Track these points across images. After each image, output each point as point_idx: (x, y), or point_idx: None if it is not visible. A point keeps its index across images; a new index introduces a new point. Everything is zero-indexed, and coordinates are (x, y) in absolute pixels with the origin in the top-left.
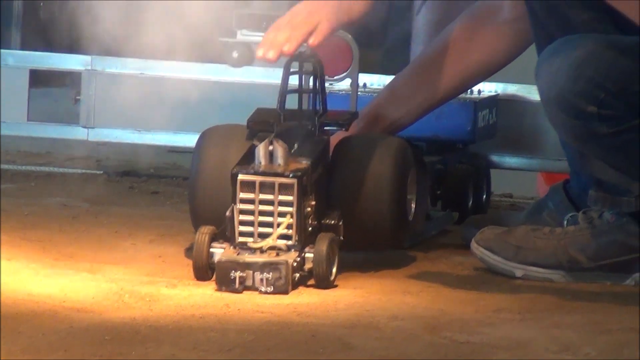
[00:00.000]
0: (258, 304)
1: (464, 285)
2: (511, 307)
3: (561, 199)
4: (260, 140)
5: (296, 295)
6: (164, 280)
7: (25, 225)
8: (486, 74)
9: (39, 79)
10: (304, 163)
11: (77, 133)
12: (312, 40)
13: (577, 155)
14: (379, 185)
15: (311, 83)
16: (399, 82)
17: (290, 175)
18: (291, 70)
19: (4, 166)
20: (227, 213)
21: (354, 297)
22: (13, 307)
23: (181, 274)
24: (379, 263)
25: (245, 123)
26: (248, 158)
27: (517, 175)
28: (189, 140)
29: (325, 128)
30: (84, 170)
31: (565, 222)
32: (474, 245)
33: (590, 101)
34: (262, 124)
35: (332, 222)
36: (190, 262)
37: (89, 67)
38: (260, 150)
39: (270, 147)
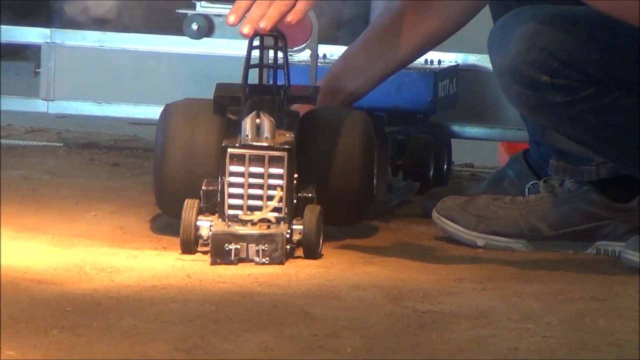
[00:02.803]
0: (219, 275)
1: (425, 255)
2: (472, 277)
3: (522, 168)
4: (233, 114)
5: (258, 266)
6: (126, 251)
7: None
8: (439, 41)
9: None
10: (289, 136)
11: (37, 106)
12: (291, 18)
13: (537, 124)
14: (350, 160)
15: (272, 57)
16: (353, 53)
17: (281, 147)
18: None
19: None
20: (203, 187)
21: (316, 267)
22: None
23: (143, 245)
24: (340, 234)
25: (205, 96)
26: (231, 131)
27: (478, 145)
28: (149, 112)
29: (293, 102)
30: (44, 143)
31: (526, 191)
32: (435, 214)
33: (544, 71)
34: (230, 99)
35: (309, 194)
36: (152, 233)
37: (49, 40)
38: (248, 124)
39: (257, 121)
